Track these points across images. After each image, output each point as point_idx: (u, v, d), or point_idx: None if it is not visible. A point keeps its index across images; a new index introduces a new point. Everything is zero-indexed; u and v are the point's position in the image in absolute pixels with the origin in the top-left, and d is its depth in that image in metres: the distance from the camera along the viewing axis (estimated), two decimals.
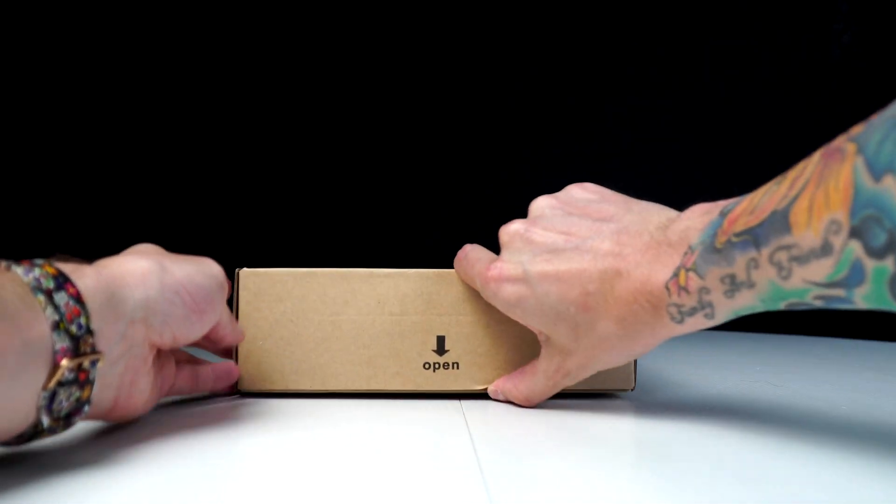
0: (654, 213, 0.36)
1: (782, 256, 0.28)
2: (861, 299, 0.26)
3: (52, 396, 0.27)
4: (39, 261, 0.28)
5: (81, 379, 0.27)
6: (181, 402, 0.42)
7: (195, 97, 1.07)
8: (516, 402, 0.41)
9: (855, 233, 0.25)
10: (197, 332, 0.35)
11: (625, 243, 0.35)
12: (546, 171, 1.03)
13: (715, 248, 0.31)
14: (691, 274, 0.32)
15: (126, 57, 1.04)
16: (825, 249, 0.26)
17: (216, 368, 0.42)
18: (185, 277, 0.33)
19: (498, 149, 1.08)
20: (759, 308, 0.31)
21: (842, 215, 0.25)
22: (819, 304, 0.28)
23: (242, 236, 1.06)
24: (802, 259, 0.27)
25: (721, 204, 0.33)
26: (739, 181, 1.07)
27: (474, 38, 1.08)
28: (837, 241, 0.25)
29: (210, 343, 0.41)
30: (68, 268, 0.29)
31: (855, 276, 0.25)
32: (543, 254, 0.37)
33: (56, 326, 0.26)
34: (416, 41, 1.08)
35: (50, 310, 0.26)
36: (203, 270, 0.35)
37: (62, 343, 0.26)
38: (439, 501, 0.26)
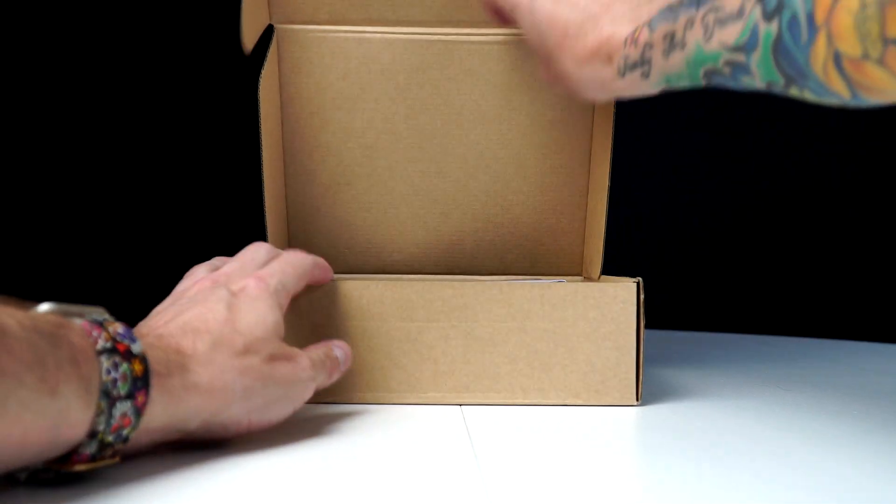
0: None
1: (710, 18, 0.32)
2: (756, 66, 0.31)
3: (33, 475, 0.25)
4: (137, 348, 0.26)
5: (75, 471, 0.26)
6: None
7: (193, 89, 1.08)
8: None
9: (760, 1, 0.30)
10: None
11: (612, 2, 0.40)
12: None
13: (671, 7, 0.35)
14: (644, 28, 0.37)
15: (121, 54, 1.04)
16: (740, 13, 0.31)
17: None
18: (259, 411, 0.32)
19: None
20: (685, 77, 0.35)
21: None
22: (727, 71, 0.33)
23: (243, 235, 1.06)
24: (723, 21, 0.32)
25: None
26: (746, 174, 1.05)
27: None
28: (748, 6, 0.30)
29: None
30: (160, 363, 0.28)
31: (752, 39, 0.30)
32: None
33: (93, 435, 0.25)
34: None
35: (102, 419, 0.25)
36: (290, 395, 0.34)
37: (87, 450, 0.25)
38: None
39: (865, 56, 0.26)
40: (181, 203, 1.08)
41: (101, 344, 0.25)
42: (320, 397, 0.43)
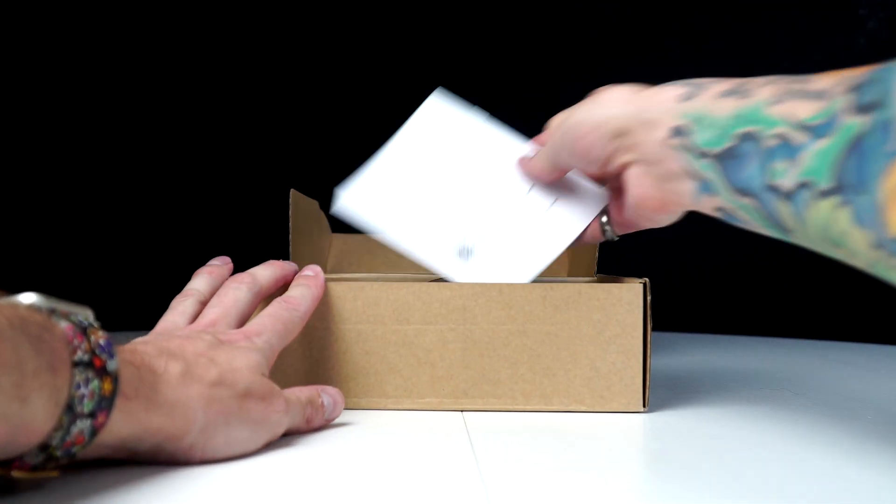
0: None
1: (790, 87, 0.32)
2: (810, 154, 0.29)
3: None
4: (112, 366, 0.26)
5: (9, 476, 0.25)
6: None
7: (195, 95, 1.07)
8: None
9: (852, 89, 0.28)
10: None
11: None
12: None
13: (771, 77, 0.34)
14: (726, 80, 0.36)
15: (117, 59, 1.04)
16: (821, 94, 0.30)
17: None
18: (217, 448, 0.31)
19: None
20: (714, 128, 0.34)
21: (853, 78, 0.29)
22: (771, 143, 0.31)
23: (250, 239, 1.06)
24: (800, 94, 0.31)
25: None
26: None
27: (481, 38, 1.08)
28: (836, 91, 0.29)
29: None
30: (130, 383, 0.27)
31: (827, 126, 0.29)
32: None
33: (44, 447, 0.25)
34: (427, 46, 1.08)
35: (59, 434, 0.25)
36: (255, 436, 0.33)
37: (32, 460, 0.25)
38: None
39: None
40: (182, 207, 1.08)
41: (78, 355, 0.25)
42: None
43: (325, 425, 0.38)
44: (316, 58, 1.09)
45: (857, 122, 0.28)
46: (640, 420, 0.41)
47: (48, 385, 0.23)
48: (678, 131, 0.36)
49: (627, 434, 0.38)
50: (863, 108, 0.28)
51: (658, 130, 0.37)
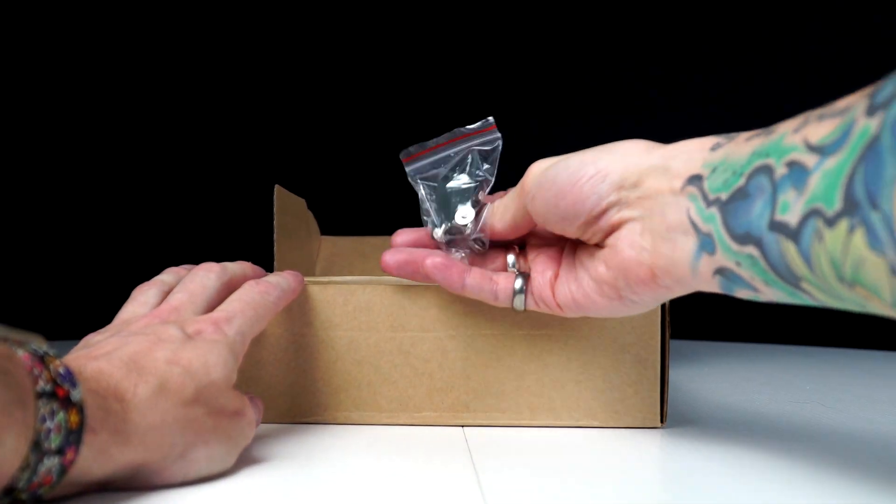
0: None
1: (816, 113, 0.29)
2: (818, 176, 0.27)
3: None
4: (77, 395, 0.25)
5: None
6: None
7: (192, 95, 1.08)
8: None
9: (870, 95, 0.26)
10: None
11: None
12: None
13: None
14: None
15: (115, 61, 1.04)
16: (844, 110, 0.27)
17: None
18: (196, 469, 0.31)
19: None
20: (730, 169, 0.32)
21: (874, 85, 0.26)
22: (781, 173, 0.29)
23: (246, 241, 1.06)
24: (822, 117, 0.28)
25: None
26: None
27: (486, 37, 1.08)
28: (856, 101, 0.27)
29: None
30: (96, 415, 0.26)
31: (840, 140, 0.26)
32: None
33: (9, 491, 0.24)
34: (433, 47, 1.08)
35: (25, 475, 0.24)
36: (231, 451, 0.33)
37: None
38: None
39: None
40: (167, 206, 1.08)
41: (41, 385, 0.24)
42: (300, 416, 0.42)
43: None
44: (304, 50, 1.09)
45: (869, 126, 0.25)
46: (658, 436, 0.41)
47: (18, 420, 0.23)
48: (693, 179, 0.33)
49: (643, 452, 0.38)
50: (875, 108, 0.25)
51: (675, 180, 0.34)
